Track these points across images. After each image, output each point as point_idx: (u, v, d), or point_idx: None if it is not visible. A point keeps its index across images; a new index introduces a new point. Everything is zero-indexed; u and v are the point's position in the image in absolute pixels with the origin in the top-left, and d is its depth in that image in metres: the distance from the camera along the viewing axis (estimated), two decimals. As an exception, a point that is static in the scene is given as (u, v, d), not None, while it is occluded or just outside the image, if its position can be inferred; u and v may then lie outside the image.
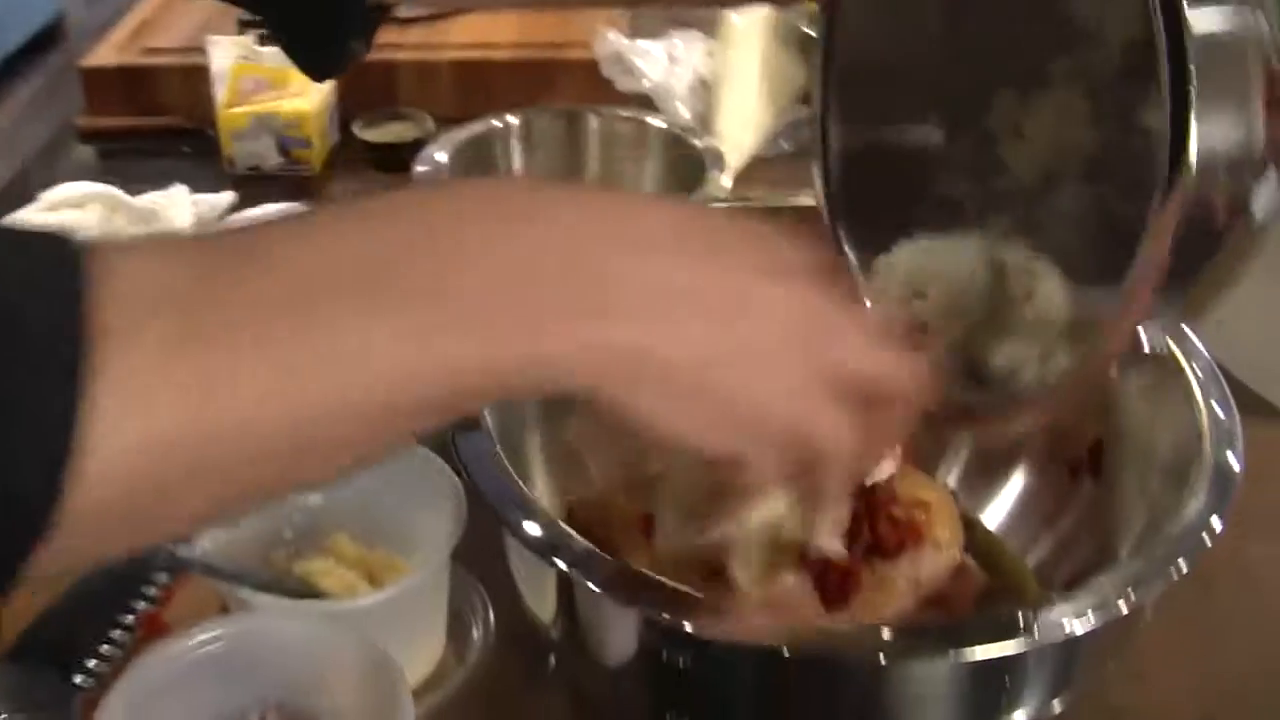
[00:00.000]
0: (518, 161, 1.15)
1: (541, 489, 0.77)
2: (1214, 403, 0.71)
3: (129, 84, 1.38)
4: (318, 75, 0.95)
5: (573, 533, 0.62)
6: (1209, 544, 0.65)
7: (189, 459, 0.41)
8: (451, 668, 0.77)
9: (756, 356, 0.51)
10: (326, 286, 0.44)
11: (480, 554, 0.77)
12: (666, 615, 0.59)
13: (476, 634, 0.79)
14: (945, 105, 0.76)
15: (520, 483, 0.66)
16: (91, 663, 0.74)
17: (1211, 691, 0.79)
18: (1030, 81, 0.71)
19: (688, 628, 0.58)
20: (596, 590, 0.60)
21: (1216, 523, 0.65)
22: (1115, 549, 0.73)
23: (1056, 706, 0.67)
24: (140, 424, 0.40)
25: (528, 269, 0.47)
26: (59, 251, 0.41)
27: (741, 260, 0.52)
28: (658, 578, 0.61)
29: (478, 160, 1.11)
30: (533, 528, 0.63)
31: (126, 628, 0.77)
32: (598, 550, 0.62)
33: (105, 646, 0.75)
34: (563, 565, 0.61)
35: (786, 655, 0.58)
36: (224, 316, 0.42)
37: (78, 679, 0.73)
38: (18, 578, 0.40)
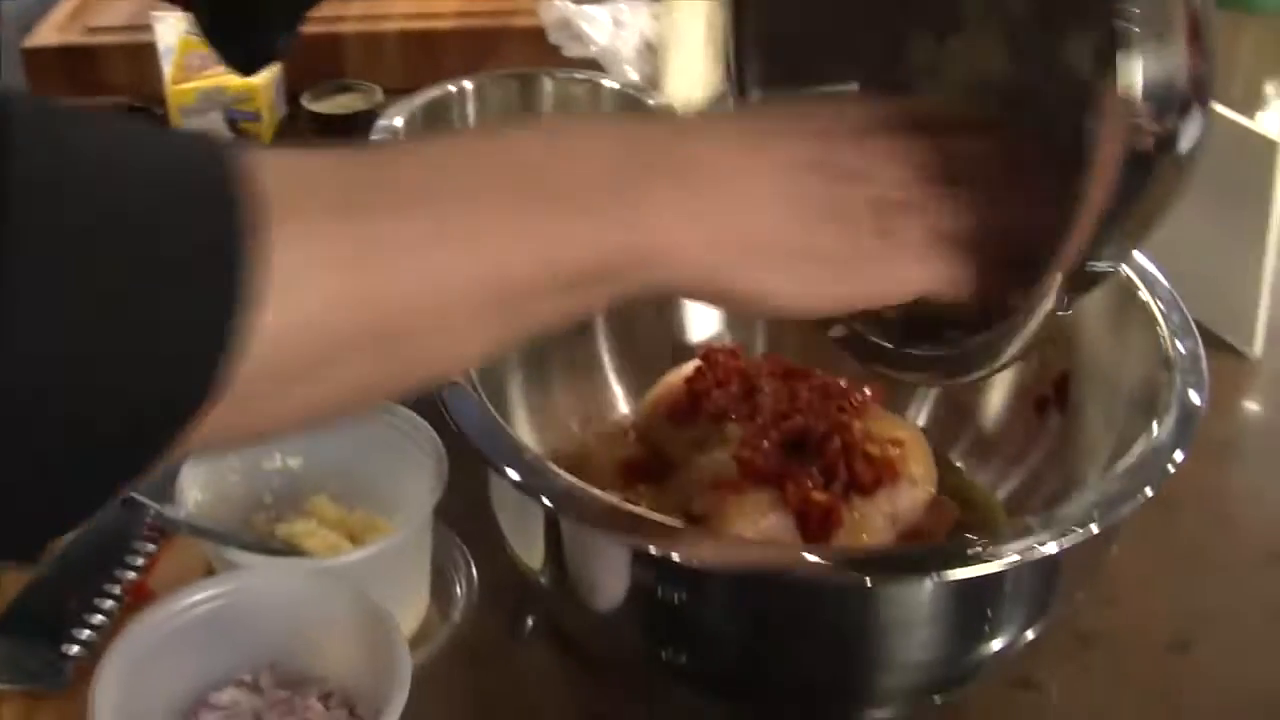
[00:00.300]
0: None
1: (524, 438, 0.77)
2: (1177, 332, 0.73)
3: (72, 64, 1.37)
4: (244, 71, 0.96)
5: (560, 472, 0.63)
6: (1172, 470, 0.66)
7: (352, 321, 0.44)
8: (436, 625, 0.78)
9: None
10: (465, 179, 0.48)
11: (460, 515, 0.78)
12: (660, 549, 0.59)
13: (460, 591, 0.79)
14: (861, 57, 0.77)
15: (505, 425, 0.66)
16: (81, 632, 0.75)
17: (1182, 613, 0.81)
18: (945, 25, 0.72)
19: (684, 560, 0.58)
20: (588, 528, 0.61)
21: (1179, 452, 0.66)
22: (1083, 479, 0.75)
23: (1030, 634, 0.68)
24: (311, 283, 0.42)
25: (639, 170, 0.51)
26: (215, 141, 0.43)
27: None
28: (648, 513, 0.62)
29: (432, 126, 1.12)
30: (519, 469, 0.64)
31: (113, 596, 0.77)
32: (586, 489, 0.63)
33: (93, 616, 0.76)
34: (550, 503, 0.62)
35: (782, 582, 0.59)
36: (375, 196, 0.45)
37: (69, 648, 0.74)
38: (192, 425, 0.40)
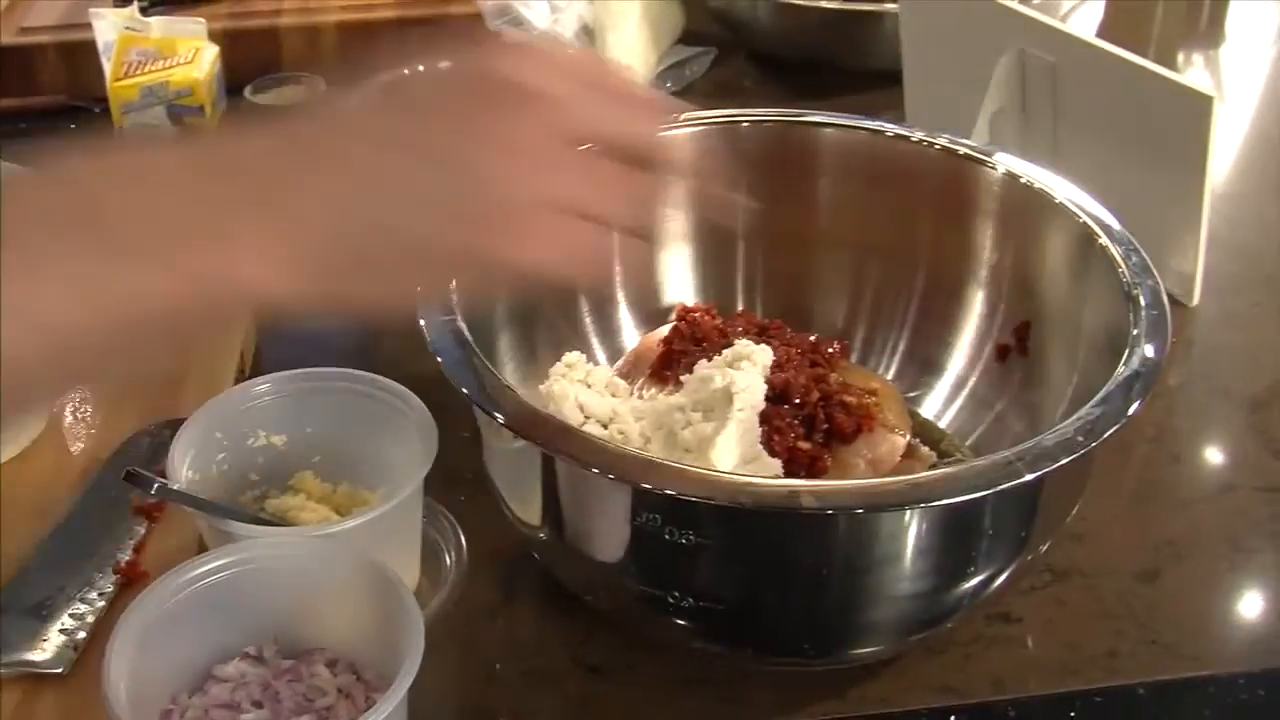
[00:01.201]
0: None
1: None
2: (1138, 273, 0.75)
3: (6, 65, 1.36)
4: None
5: (558, 418, 0.64)
6: (1131, 412, 0.66)
7: None
8: (428, 595, 0.79)
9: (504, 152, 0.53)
10: (26, 226, 0.47)
11: (444, 490, 0.79)
12: (659, 486, 0.61)
13: (449, 560, 0.80)
14: None
15: (503, 379, 0.67)
16: (79, 615, 0.75)
17: (1148, 546, 0.84)
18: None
19: (686, 496, 0.60)
20: (590, 471, 0.62)
21: (1138, 399, 0.67)
22: (1047, 422, 0.77)
23: (1012, 568, 0.71)
24: None
25: (211, 199, 0.50)
26: None
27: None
28: (645, 453, 0.63)
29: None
30: (517, 417, 0.65)
31: (107, 579, 0.77)
32: (584, 433, 0.65)
33: (89, 598, 0.76)
34: (557, 452, 0.63)
35: (781, 515, 0.61)
36: None
37: (67, 631, 0.74)
38: None
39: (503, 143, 0.53)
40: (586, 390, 0.79)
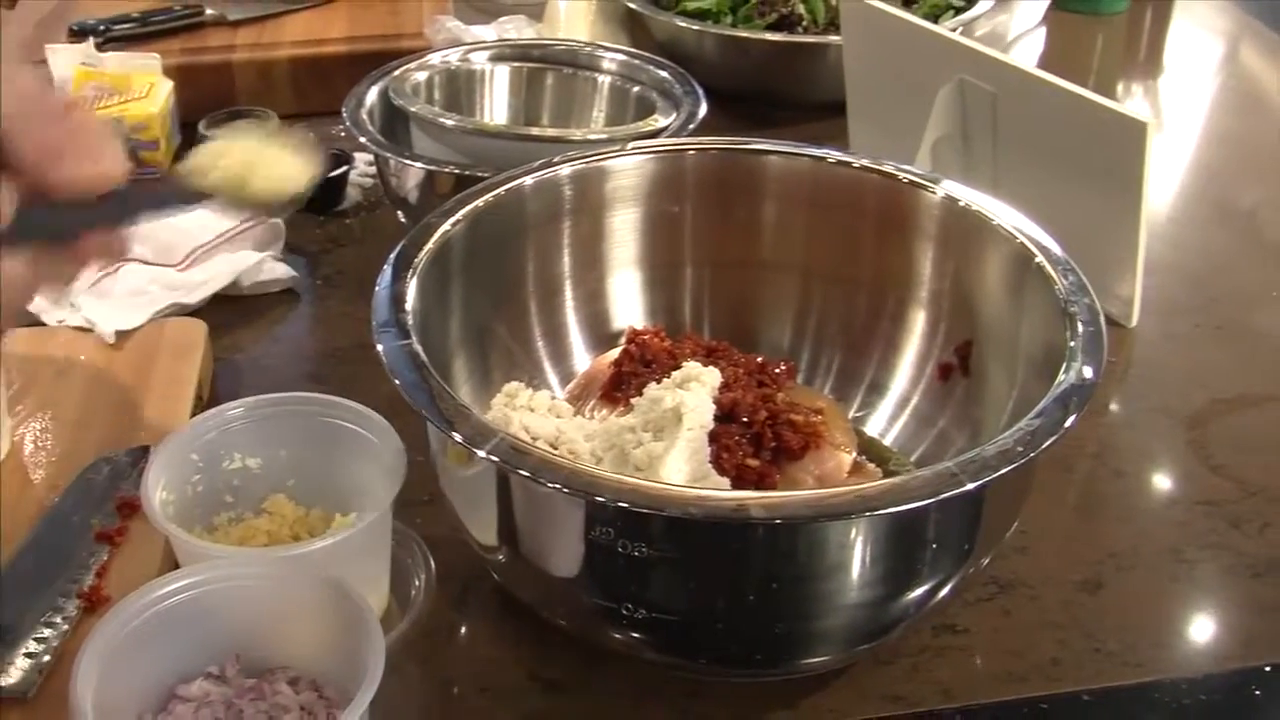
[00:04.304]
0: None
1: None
2: (1074, 291, 0.77)
3: (-40, 101, 1.36)
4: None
5: (521, 441, 0.66)
6: (1069, 424, 0.67)
7: None
8: (395, 618, 0.80)
9: None
10: None
11: (413, 514, 0.81)
12: (622, 502, 0.62)
13: (418, 582, 0.81)
14: None
15: (456, 397, 0.69)
16: (43, 639, 0.75)
17: (1091, 558, 0.86)
18: None
19: (646, 509, 0.62)
20: (557, 489, 0.63)
21: (1075, 411, 0.68)
22: (989, 436, 0.79)
23: (950, 586, 0.72)
24: None
25: None
26: None
27: None
28: (606, 472, 0.65)
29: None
30: (471, 434, 0.66)
31: (70, 604, 0.78)
32: (551, 456, 0.66)
33: (53, 620, 0.77)
34: (514, 469, 0.64)
35: (730, 526, 0.62)
36: None
37: (32, 654, 0.75)
38: None
39: None
40: (530, 414, 0.81)
